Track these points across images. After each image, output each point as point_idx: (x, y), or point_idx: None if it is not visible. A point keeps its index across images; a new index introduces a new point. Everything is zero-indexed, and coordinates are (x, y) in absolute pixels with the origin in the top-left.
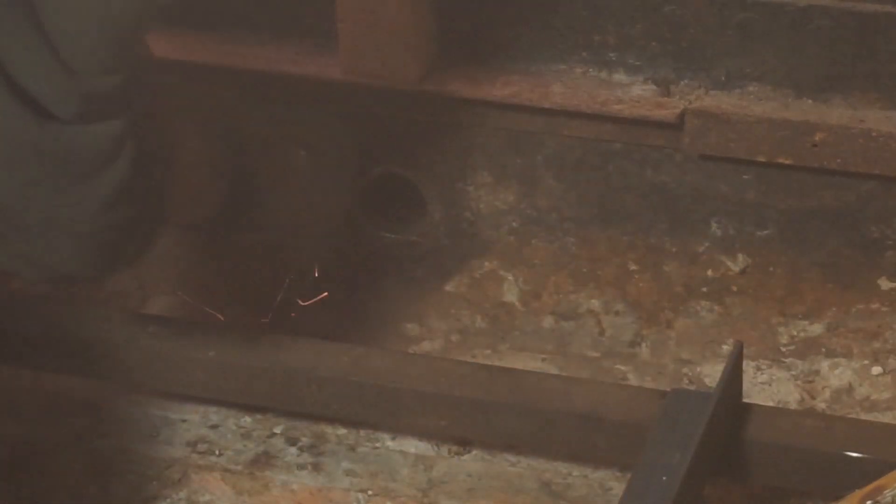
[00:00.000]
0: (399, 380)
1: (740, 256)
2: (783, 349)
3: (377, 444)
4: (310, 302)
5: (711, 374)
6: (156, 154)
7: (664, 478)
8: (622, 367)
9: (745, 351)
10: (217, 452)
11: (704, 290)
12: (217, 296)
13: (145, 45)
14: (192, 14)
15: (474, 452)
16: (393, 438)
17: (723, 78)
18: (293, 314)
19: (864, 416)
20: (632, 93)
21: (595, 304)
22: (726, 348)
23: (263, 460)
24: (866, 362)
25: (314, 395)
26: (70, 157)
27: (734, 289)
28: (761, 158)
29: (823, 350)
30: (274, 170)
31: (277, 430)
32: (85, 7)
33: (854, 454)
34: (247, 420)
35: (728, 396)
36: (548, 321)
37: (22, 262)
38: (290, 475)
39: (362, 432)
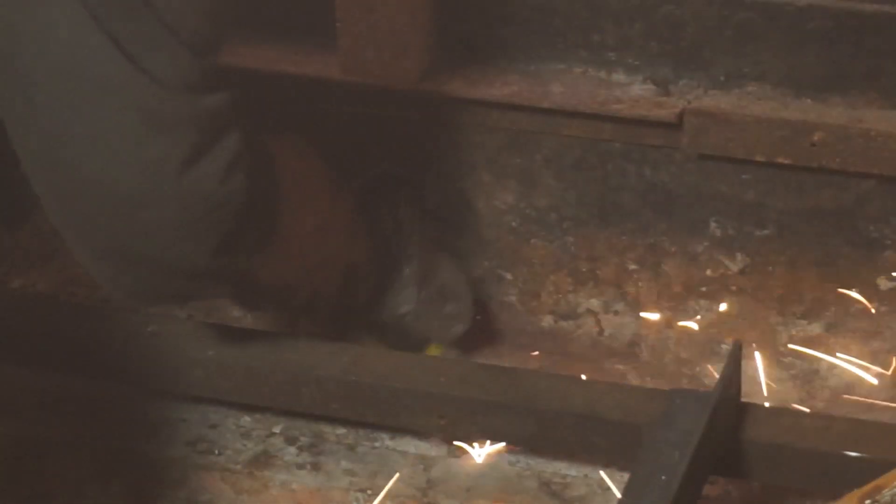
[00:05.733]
0: (399, 380)
1: (739, 256)
2: (782, 349)
3: (376, 444)
4: None
5: (710, 374)
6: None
7: (663, 477)
8: (622, 367)
9: (743, 351)
10: (216, 452)
11: (703, 289)
12: None
13: None
14: None
15: (473, 452)
16: (392, 438)
17: (722, 77)
18: None
19: (863, 416)
20: (631, 92)
21: (594, 303)
22: (725, 348)
23: (263, 460)
24: (865, 362)
25: (313, 395)
26: (192, 126)
27: (733, 288)
28: (760, 158)
29: (822, 350)
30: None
31: (277, 429)
32: None
33: (853, 454)
34: (246, 420)
35: (727, 396)
36: (547, 321)
37: (136, 272)
38: (289, 474)
39: (361, 432)
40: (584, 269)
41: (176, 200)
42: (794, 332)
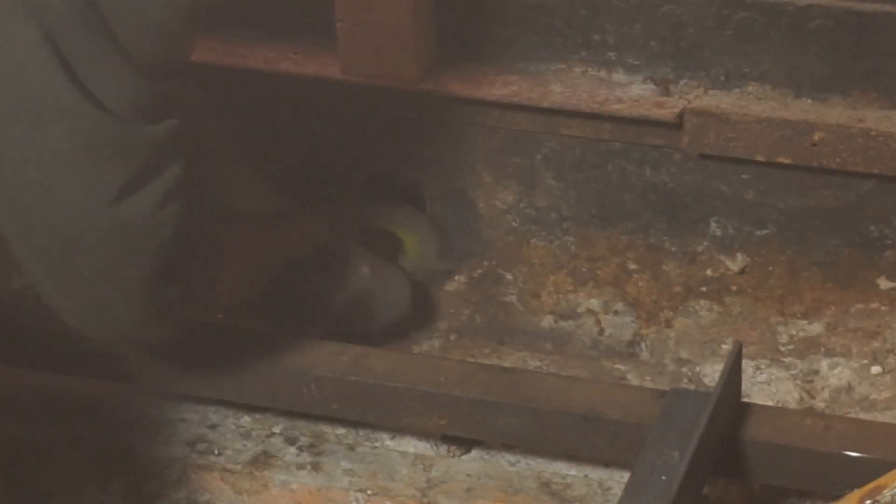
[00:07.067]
0: (399, 380)
1: (739, 256)
2: (782, 349)
3: (376, 444)
4: None
5: (711, 373)
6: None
7: (663, 477)
8: (622, 367)
9: (744, 350)
10: (216, 452)
11: (704, 289)
12: None
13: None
14: None
15: (473, 452)
16: (392, 438)
17: (722, 77)
18: None
19: (863, 416)
20: (631, 92)
21: (594, 303)
22: (725, 348)
23: (263, 460)
24: (865, 362)
25: (313, 395)
26: (136, 155)
27: (733, 288)
28: (760, 158)
29: (823, 349)
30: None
31: (276, 429)
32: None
33: (853, 454)
34: (246, 419)
35: (727, 396)
36: (547, 321)
37: (88, 308)
38: (289, 475)
39: (361, 432)
40: (584, 269)
41: (107, 227)
42: (794, 332)
